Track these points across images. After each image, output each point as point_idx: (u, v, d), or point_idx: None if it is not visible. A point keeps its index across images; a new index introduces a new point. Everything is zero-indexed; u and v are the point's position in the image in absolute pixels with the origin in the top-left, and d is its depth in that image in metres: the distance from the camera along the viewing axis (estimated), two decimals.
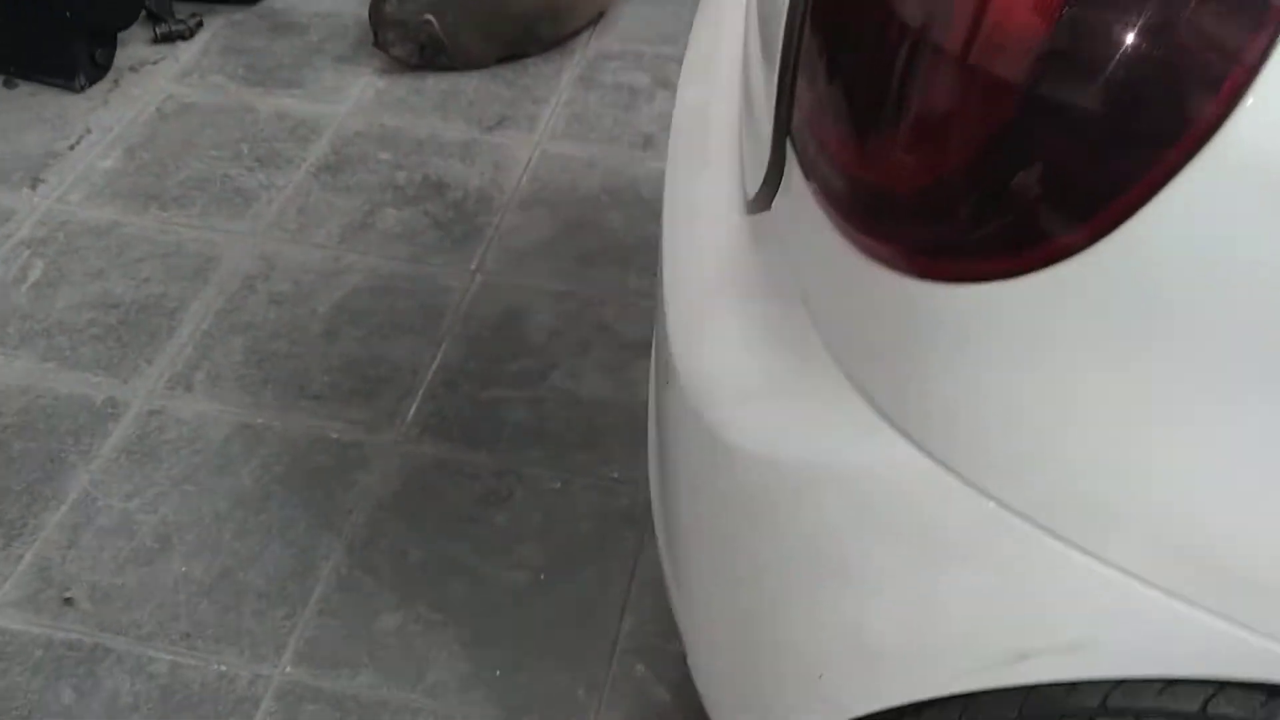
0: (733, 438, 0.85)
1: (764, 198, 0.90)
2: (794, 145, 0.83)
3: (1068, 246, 0.64)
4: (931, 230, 0.69)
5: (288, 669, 1.68)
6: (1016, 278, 0.67)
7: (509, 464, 1.95)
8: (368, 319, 2.18)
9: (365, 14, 2.78)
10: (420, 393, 2.05)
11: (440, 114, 2.65)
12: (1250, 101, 0.58)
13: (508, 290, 2.25)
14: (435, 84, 2.73)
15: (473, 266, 2.30)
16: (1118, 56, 0.60)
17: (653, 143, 2.59)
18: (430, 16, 2.64)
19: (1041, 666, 0.79)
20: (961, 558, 0.77)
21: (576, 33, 2.86)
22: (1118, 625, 0.76)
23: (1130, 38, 0.60)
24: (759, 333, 0.87)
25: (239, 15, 2.92)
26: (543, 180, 2.50)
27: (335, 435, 1.99)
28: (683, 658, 1.72)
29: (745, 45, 1.04)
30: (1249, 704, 0.86)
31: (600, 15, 2.90)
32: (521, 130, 2.62)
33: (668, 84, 2.76)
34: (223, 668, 1.67)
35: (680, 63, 2.81)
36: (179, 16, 2.83)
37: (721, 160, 1.02)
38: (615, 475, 1.95)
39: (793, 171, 0.84)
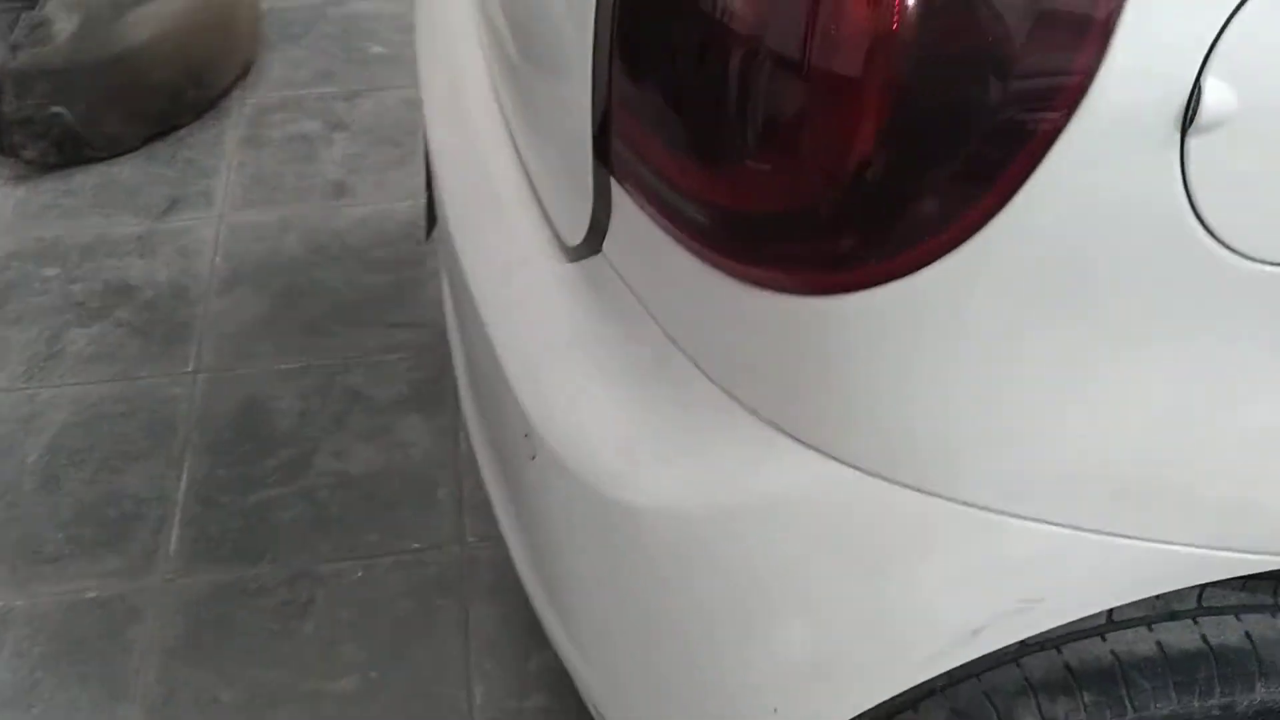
0: (631, 498, 0.79)
1: (591, 243, 0.85)
2: (621, 183, 0.78)
3: (961, 232, 0.63)
4: (815, 246, 0.66)
5: None
6: (910, 275, 0.65)
7: (299, 567, 1.80)
8: (89, 456, 1.94)
9: None
10: (176, 520, 1.85)
11: (101, 211, 2.39)
12: (1111, 59, 0.58)
13: (237, 382, 2.07)
14: (84, 179, 2.46)
15: (190, 367, 2.09)
16: (977, 37, 0.59)
17: (346, 189, 2.46)
18: (59, 108, 2.37)
19: (995, 635, 0.79)
20: (901, 555, 0.76)
21: (227, 90, 2.66)
22: (1060, 575, 0.77)
23: (987, 16, 0.59)
24: (628, 384, 0.81)
25: None
26: (238, 255, 2.31)
27: (92, 594, 1.76)
28: (543, 712, 1.65)
29: (506, 81, 0.97)
30: (1148, 601, 0.91)
31: (247, 67, 2.71)
32: (198, 208, 2.41)
33: (341, 126, 2.63)
34: None
35: (347, 100, 2.70)
36: None
37: (516, 209, 0.95)
38: (416, 546, 1.84)
39: (623, 211, 0.79)
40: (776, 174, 0.66)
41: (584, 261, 0.87)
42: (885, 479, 0.73)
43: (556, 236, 0.91)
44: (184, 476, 1.91)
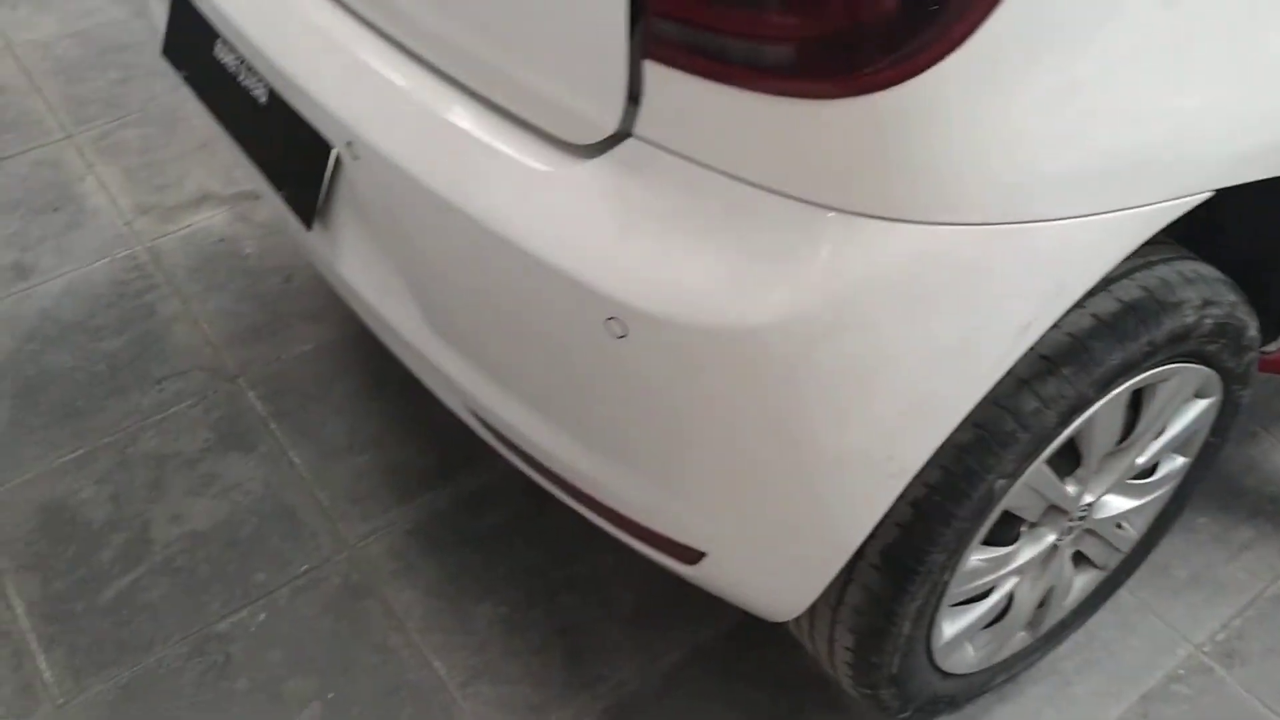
0: (753, 320, 0.89)
1: (622, 130, 0.93)
2: (661, 57, 0.88)
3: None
4: (897, 43, 0.81)
5: None
6: (969, 37, 0.82)
7: (197, 635, 1.71)
8: None
9: None
10: (33, 647, 1.68)
11: None
12: None
13: (19, 494, 1.88)
14: None
15: None
16: None
17: (27, 268, 2.25)
18: None
19: (1037, 327, 1.00)
20: (974, 281, 0.92)
21: None
22: (1074, 257, 0.98)
23: None
24: (707, 233, 0.91)
25: None
26: None
27: None
28: (508, 655, 1.71)
29: (446, 23, 1.02)
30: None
31: None
32: None
33: None
34: None
35: None
36: None
37: (486, 138, 1.01)
38: (306, 568, 1.80)
39: (663, 85, 0.89)
40: None
41: (609, 153, 0.96)
42: (959, 224, 0.90)
43: (562, 143, 0.99)
44: (15, 604, 1.74)
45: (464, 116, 1.05)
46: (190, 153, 2.53)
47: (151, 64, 2.78)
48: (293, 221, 1.35)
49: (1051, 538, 1.36)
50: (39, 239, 2.32)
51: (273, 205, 2.36)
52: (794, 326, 0.92)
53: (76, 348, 2.12)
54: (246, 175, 2.47)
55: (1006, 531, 1.30)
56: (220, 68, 1.40)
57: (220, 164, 2.50)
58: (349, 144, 1.13)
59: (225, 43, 1.37)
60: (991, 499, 1.16)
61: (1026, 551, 1.34)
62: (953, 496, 1.13)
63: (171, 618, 1.73)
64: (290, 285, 2.24)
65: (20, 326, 2.15)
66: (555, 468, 1.17)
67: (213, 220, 2.38)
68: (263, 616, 1.74)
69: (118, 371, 2.08)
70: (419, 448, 1.96)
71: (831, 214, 0.89)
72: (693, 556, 1.13)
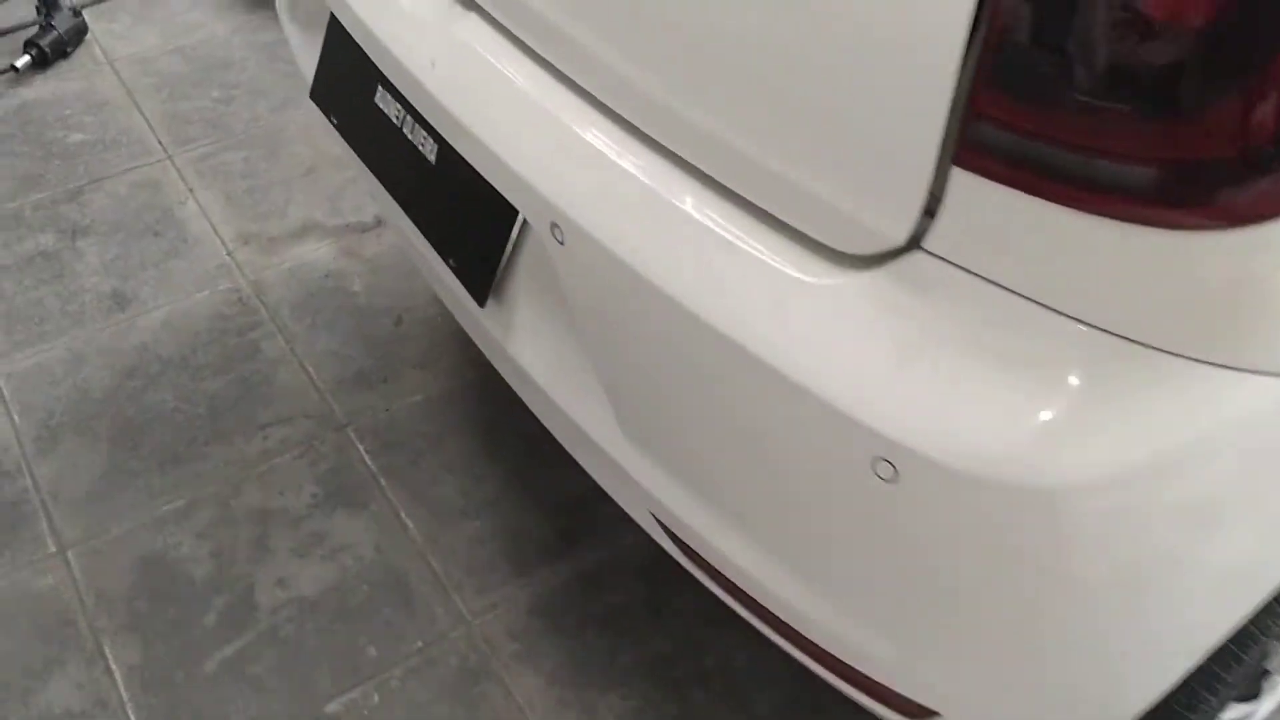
0: (1059, 479, 0.76)
1: (910, 242, 0.80)
2: (980, 166, 0.74)
3: None
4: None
5: None
6: None
7: (302, 714, 1.59)
8: None
9: None
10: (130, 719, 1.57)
11: None
12: None
13: (119, 546, 1.77)
14: None
15: (53, 548, 1.76)
16: None
17: (127, 297, 2.14)
18: None
19: None
20: None
21: None
22: None
23: None
24: (1007, 369, 0.78)
25: None
26: (39, 408, 1.96)
27: None
28: None
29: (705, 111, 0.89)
30: None
31: None
32: None
33: (82, 231, 2.28)
34: None
35: (71, 200, 2.34)
36: None
37: (739, 234, 0.88)
38: (420, 644, 1.67)
39: (968, 195, 0.76)
40: (1242, 116, 0.66)
41: (889, 265, 0.83)
42: None
43: (829, 250, 0.86)
44: (114, 669, 1.62)
45: (705, 210, 0.92)
46: (294, 179, 2.43)
47: (254, 84, 2.68)
48: (454, 286, 1.22)
49: None
50: (139, 265, 2.22)
51: (391, 240, 2.26)
52: (1110, 488, 0.78)
53: (177, 387, 2.01)
54: (352, 206, 2.37)
55: (1250, 685, 1.16)
56: (381, 117, 1.28)
57: (325, 192, 2.40)
58: (554, 226, 1.00)
59: (391, 90, 1.25)
60: (1263, 660, 1.02)
61: (1267, 705, 1.19)
62: (1223, 661, 0.99)
63: (278, 694, 1.61)
64: (400, 329, 2.12)
65: (120, 361, 2.04)
66: (766, 602, 1.03)
67: (318, 253, 2.27)
68: (376, 699, 1.62)
69: (220, 415, 1.96)
70: (538, 514, 1.84)
71: (1166, 359, 0.76)
72: (919, 713, 0.99)
